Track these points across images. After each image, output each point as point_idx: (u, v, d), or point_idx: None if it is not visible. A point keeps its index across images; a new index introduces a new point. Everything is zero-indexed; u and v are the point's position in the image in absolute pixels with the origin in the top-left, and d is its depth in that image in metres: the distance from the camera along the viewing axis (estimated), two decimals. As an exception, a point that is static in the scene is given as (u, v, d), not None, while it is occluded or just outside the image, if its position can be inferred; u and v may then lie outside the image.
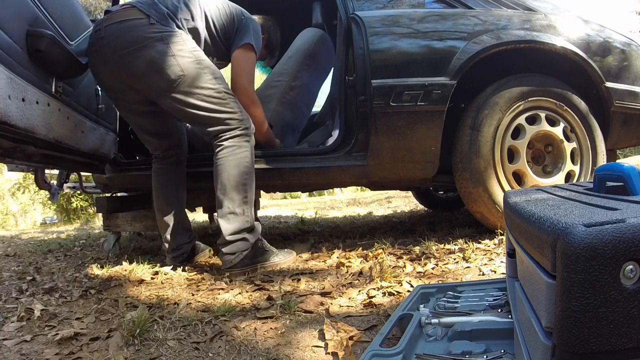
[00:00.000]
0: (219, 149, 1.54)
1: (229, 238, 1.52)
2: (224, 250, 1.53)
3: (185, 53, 1.48)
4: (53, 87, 1.42)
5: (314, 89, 2.35)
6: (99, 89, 1.85)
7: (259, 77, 2.65)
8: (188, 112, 1.53)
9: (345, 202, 7.18)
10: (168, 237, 1.75)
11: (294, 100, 2.20)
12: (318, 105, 2.89)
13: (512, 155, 1.80)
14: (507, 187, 1.76)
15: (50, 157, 1.66)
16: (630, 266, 0.39)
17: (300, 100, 2.24)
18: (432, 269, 1.44)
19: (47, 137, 1.34)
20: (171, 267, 1.70)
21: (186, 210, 1.88)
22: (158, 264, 1.77)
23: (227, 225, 1.52)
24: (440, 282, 1.28)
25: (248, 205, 1.54)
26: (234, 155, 1.53)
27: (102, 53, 1.48)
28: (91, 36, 1.52)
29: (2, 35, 1.16)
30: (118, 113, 2.07)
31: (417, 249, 1.71)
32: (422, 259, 1.57)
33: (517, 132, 1.81)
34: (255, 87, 1.87)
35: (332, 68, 2.29)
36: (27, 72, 1.26)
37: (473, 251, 1.60)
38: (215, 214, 4.36)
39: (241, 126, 1.55)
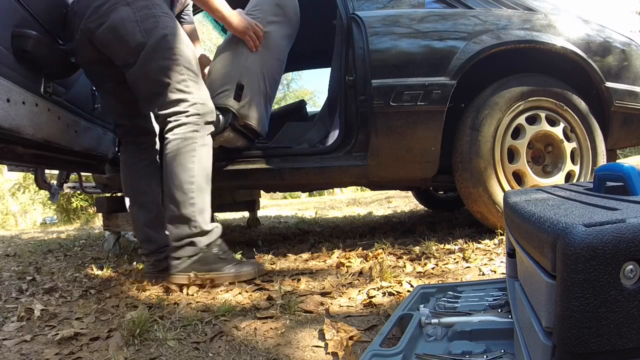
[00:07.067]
0: (165, 141, 1.39)
1: (174, 244, 1.39)
2: (171, 254, 1.41)
3: (150, 17, 1.36)
4: (42, 87, 1.42)
5: (284, 50, 1.83)
6: (95, 88, 1.84)
7: (218, 40, 2.41)
8: (142, 87, 1.40)
9: (345, 202, 7.18)
10: (145, 239, 1.56)
11: (267, 50, 1.73)
12: (318, 106, 2.87)
13: (512, 155, 1.80)
14: (507, 187, 1.76)
15: (43, 157, 1.65)
16: (630, 266, 0.39)
17: (273, 55, 1.76)
18: (432, 269, 1.44)
19: (35, 137, 1.34)
20: None
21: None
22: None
23: (173, 230, 1.39)
24: (440, 282, 1.28)
25: (196, 208, 1.37)
26: (178, 150, 1.36)
27: (74, 23, 1.41)
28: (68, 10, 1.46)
29: None
30: None
31: (417, 249, 1.71)
32: (422, 259, 1.56)
33: (517, 132, 1.81)
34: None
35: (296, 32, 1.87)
36: (12, 73, 1.26)
37: (473, 251, 1.60)
38: (215, 214, 4.37)
39: (192, 111, 1.38)
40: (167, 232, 1.43)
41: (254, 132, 1.76)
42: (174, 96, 1.37)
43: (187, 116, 1.38)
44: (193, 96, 1.39)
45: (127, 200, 1.63)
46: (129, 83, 1.44)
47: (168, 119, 1.39)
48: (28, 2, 1.35)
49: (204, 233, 1.39)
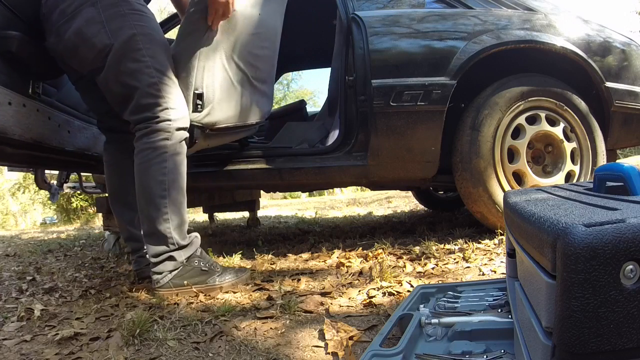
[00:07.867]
0: (135, 152, 1.32)
1: (153, 260, 1.33)
2: (152, 269, 1.35)
3: (117, 17, 1.28)
4: (30, 87, 1.40)
5: (260, 19, 1.56)
6: (74, 86, 1.79)
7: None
8: (112, 91, 1.33)
9: (345, 202, 7.18)
10: (129, 237, 1.53)
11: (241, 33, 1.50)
12: (318, 106, 2.87)
13: (512, 155, 1.80)
14: (507, 187, 1.76)
15: (38, 158, 1.63)
16: (630, 266, 0.39)
17: (244, 32, 1.51)
18: (432, 269, 1.44)
19: (23, 137, 1.33)
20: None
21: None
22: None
23: (151, 247, 1.32)
24: (440, 282, 1.28)
25: (172, 224, 1.30)
26: (148, 162, 1.29)
27: (46, 24, 1.34)
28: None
29: None
30: None
31: (417, 249, 1.71)
32: (422, 259, 1.57)
33: (517, 132, 1.81)
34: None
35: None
36: None
37: (473, 251, 1.60)
38: (215, 214, 4.37)
39: (162, 117, 1.29)
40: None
41: (243, 126, 1.62)
42: (144, 100, 1.29)
43: (157, 122, 1.29)
44: (164, 100, 1.30)
45: (109, 197, 1.57)
46: (101, 89, 1.37)
47: (137, 126, 1.32)
48: (12, 2, 1.31)
49: (182, 247, 1.33)
